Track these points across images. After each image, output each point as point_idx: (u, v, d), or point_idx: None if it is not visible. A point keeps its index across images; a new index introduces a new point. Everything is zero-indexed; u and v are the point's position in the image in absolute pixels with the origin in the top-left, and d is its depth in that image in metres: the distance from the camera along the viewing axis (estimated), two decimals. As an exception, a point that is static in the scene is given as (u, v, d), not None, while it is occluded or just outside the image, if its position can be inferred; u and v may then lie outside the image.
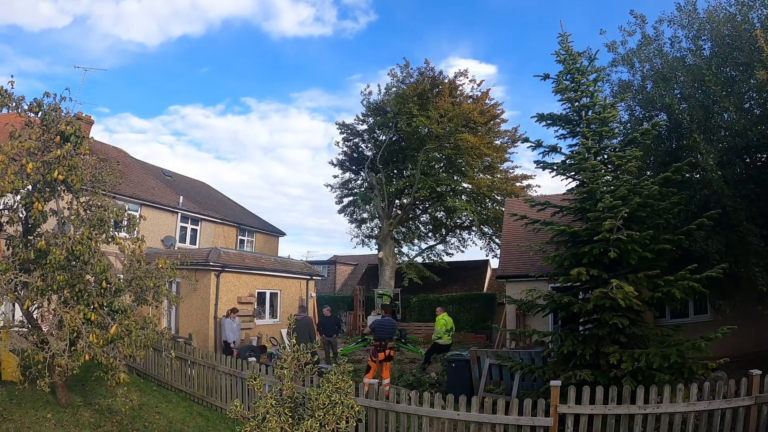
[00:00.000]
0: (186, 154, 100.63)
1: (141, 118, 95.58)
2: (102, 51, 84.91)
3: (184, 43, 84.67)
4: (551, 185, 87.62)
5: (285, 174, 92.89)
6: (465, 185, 25.78)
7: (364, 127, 27.72)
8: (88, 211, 6.84)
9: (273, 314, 16.94)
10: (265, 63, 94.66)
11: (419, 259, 27.65)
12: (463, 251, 28.65)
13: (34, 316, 6.92)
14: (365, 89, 31.39)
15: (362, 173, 27.87)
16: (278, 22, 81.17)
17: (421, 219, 28.85)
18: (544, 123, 8.95)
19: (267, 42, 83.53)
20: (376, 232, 27.55)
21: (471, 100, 25.51)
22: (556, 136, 9.03)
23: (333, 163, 28.86)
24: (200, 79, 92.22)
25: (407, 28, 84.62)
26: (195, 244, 19.18)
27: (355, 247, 43.59)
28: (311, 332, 11.90)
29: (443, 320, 13.00)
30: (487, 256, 28.38)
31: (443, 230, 28.36)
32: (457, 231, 28.33)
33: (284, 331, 15.82)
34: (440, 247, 28.45)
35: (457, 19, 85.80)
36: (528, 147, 9.23)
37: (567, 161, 8.75)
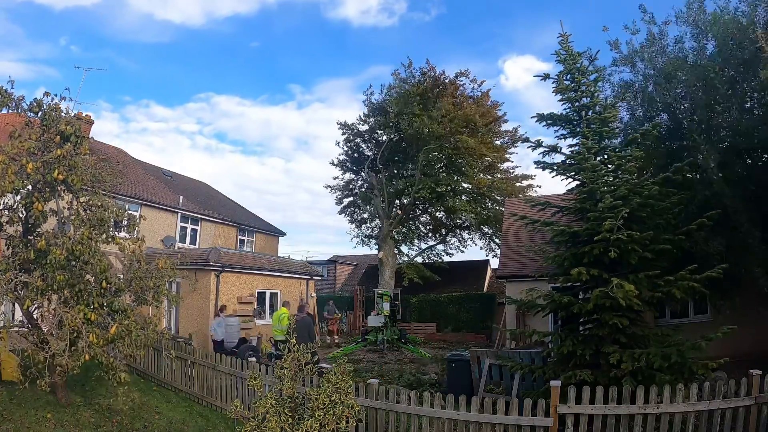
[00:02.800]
0: (207, 146, 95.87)
1: (164, 106, 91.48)
2: (135, 25, 77.63)
3: (234, 22, 79.92)
4: (551, 185, 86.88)
5: (312, 168, 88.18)
6: (465, 185, 25.79)
7: (365, 127, 27.71)
8: (88, 211, 6.83)
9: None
10: (322, 49, 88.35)
11: (419, 259, 27.64)
12: (463, 251, 28.63)
13: (34, 316, 6.92)
14: (368, 89, 31.44)
15: (363, 173, 27.86)
16: (342, 8, 76.73)
17: (421, 219, 28.84)
18: (544, 123, 8.95)
19: (328, 27, 78.35)
20: (377, 232, 27.55)
21: (471, 100, 25.53)
22: (557, 136, 9.04)
23: (333, 163, 28.87)
24: (250, 54, 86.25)
25: (475, 21, 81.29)
26: (195, 244, 19.18)
27: (355, 247, 43.57)
28: (311, 332, 11.89)
29: None
30: (487, 256, 28.40)
31: (443, 230, 28.36)
32: (457, 231, 28.32)
33: (284, 331, 15.82)
34: (440, 247, 28.46)
35: (528, 16, 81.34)
36: (528, 147, 9.30)
37: (567, 161, 8.75)
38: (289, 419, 4.40)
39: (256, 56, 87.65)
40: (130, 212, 7.99)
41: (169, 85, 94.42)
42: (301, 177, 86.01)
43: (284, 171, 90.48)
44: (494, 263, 27.39)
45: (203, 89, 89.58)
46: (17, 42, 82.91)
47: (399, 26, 75.09)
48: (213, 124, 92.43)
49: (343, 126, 28.16)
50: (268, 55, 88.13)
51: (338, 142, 28.53)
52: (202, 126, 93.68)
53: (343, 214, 29.29)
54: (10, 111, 6.96)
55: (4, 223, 7.03)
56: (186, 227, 19.08)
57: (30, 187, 6.63)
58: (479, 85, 25.95)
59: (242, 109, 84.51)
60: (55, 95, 6.97)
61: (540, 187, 26.66)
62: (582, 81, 8.54)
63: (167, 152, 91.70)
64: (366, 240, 28.97)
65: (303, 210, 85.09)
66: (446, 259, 28.00)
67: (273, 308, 17.02)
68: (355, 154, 28.32)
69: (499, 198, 25.64)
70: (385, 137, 26.47)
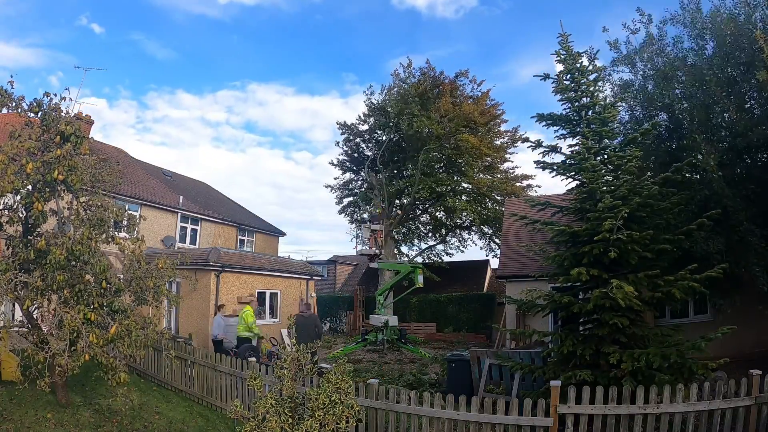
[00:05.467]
0: (231, 137, 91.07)
1: (192, 94, 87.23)
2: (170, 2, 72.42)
3: (289, 3, 77.29)
4: (551, 185, 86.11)
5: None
6: (465, 185, 25.80)
7: (365, 127, 27.73)
8: (88, 211, 6.83)
9: (273, 314, 16.95)
10: (385, 35, 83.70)
11: (419, 259, 27.64)
12: (463, 251, 28.70)
13: (34, 316, 6.92)
14: (367, 89, 31.42)
15: (362, 173, 27.86)
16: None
17: (421, 219, 28.84)
18: (544, 123, 8.95)
19: (394, 14, 75.04)
20: (377, 232, 27.53)
21: (471, 100, 25.55)
22: (556, 136, 9.04)
23: (333, 164, 28.87)
24: (299, 39, 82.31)
25: (544, 15, 79.04)
26: (195, 244, 19.18)
27: (355, 248, 43.56)
28: (318, 328, 11.72)
29: None
30: (487, 256, 28.40)
31: (443, 230, 28.35)
32: (457, 231, 28.32)
33: (284, 331, 15.83)
34: (440, 247, 28.49)
35: (584, 15, 79.16)
36: (528, 147, 9.28)
37: (567, 161, 8.75)
38: (289, 419, 4.40)
39: (306, 41, 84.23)
40: (130, 212, 8.01)
41: (200, 72, 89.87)
42: (325, 172, 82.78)
43: (310, 166, 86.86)
44: (494, 263, 27.42)
45: (239, 77, 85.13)
46: (29, 25, 77.17)
47: (467, 18, 72.81)
48: (242, 114, 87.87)
49: (343, 126, 28.17)
50: (318, 41, 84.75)
51: (338, 142, 28.56)
52: (231, 115, 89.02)
53: (343, 214, 29.33)
54: (10, 111, 6.96)
55: (4, 223, 7.03)
56: (186, 227, 19.07)
57: (30, 187, 6.62)
58: (479, 85, 26.03)
59: (279, 97, 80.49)
60: (56, 94, 6.98)
61: (540, 187, 26.71)
62: (582, 81, 8.54)
63: (184, 144, 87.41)
64: (366, 241, 28.97)
65: (323, 207, 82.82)
66: (446, 259, 28.04)
67: (273, 308, 17.02)
68: (355, 154, 28.31)
69: (499, 198, 25.66)
70: (384, 137, 26.47)
